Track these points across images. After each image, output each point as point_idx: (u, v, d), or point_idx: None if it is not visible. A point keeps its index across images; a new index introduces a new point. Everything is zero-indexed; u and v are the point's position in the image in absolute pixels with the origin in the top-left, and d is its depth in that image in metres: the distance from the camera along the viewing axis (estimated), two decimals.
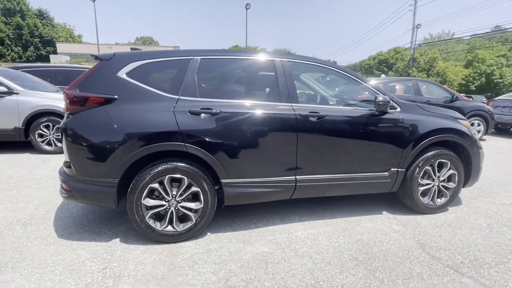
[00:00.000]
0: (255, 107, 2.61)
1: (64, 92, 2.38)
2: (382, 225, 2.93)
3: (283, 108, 2.66)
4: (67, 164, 2.42)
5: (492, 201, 3.61)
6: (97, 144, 2.32)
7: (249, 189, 2.62)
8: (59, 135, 5.50)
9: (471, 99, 10.74)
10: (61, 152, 2.99)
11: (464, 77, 32.43)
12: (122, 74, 2.44)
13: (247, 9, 27.81)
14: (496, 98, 10.06)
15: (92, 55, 2.66)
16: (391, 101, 2.92)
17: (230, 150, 2.51)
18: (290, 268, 2.21)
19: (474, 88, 33.26)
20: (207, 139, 2.44)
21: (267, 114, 2.61)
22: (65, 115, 2.44)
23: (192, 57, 2.60)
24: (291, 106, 2.68)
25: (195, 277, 2.08)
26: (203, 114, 2.46)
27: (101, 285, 1.98)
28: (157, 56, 2.56)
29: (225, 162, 2.50)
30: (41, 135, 5.50)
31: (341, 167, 2.84)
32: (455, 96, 8.18)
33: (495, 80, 32.88)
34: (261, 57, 2.82)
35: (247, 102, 2.65)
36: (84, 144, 2.32)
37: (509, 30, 42.22)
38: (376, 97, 2.85)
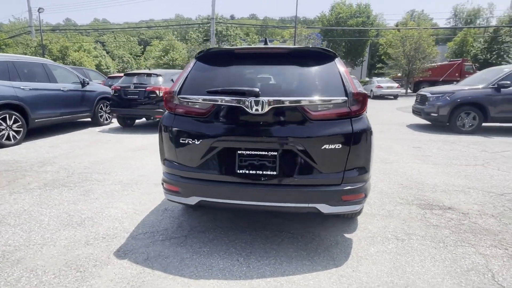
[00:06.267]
0: None
1: (359, 93, 2.19)
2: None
3: None
4: (364, 170, 2.25)
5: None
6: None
7: None
8: None
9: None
10: None
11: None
12: None
13: None
14: None
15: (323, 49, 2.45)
16: None
17: None
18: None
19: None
20: None
21: None
22: (348, 117, 2.19)
23: None
24: None
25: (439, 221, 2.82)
26: None
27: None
28: None
29: None
30: None
31: None
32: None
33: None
34: None
35: None
36: (371, 143, 2.29)
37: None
38: None
